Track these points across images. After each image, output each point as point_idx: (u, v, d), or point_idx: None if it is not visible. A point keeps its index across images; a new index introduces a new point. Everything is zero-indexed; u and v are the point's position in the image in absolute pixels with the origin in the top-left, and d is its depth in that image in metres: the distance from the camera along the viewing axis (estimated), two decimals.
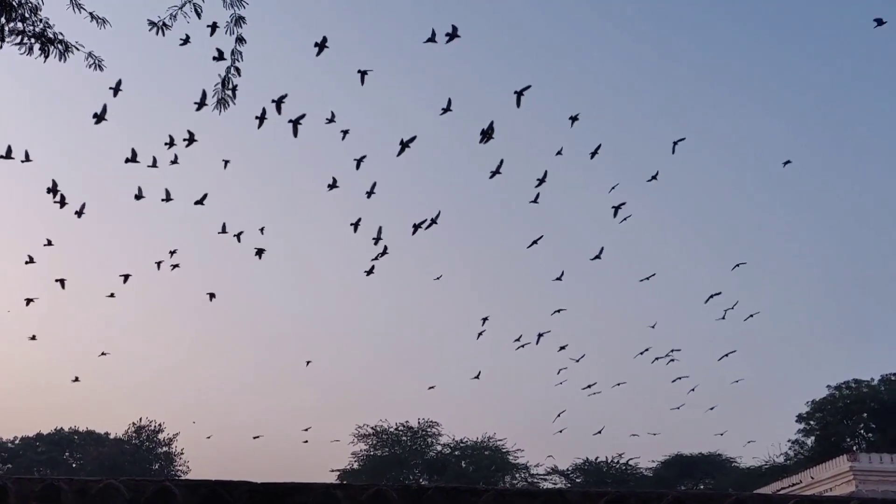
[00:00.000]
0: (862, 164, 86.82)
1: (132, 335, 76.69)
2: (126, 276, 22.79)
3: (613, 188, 24.05)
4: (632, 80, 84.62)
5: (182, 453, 60.63)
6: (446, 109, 19.35)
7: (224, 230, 22.17)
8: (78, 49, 7.73)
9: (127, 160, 18.98)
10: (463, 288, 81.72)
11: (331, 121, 19.69)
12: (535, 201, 22.71)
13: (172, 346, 79.33)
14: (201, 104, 16.76)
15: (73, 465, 58.69)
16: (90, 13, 7.65)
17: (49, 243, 21.85)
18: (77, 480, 3.87)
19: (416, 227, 22.37)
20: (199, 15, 7.69)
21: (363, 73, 18.30)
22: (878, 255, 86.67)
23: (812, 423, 51.59)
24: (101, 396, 73.00)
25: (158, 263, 23.25)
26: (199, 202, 21.52)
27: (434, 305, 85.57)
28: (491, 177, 20.79)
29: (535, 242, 26.19)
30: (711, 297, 29.16)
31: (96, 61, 7.91)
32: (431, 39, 18.06)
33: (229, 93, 8.40)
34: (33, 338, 28.65)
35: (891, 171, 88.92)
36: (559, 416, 43.64)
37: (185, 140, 18.99)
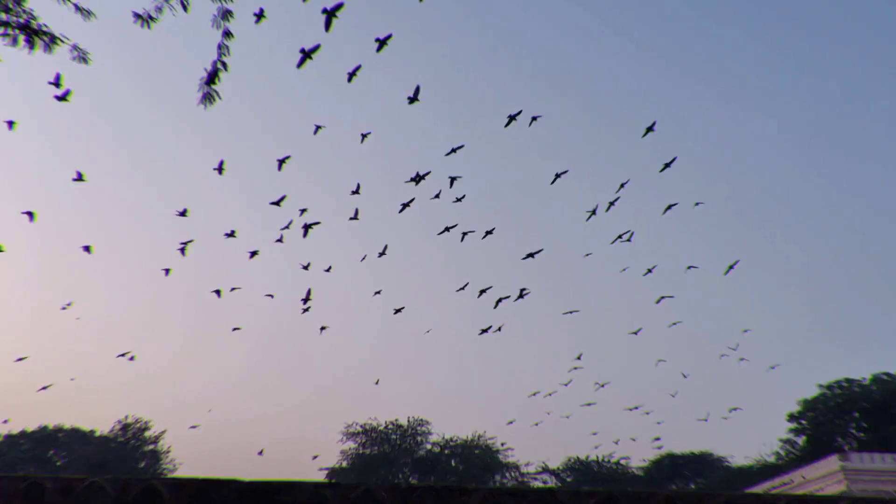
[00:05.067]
0: (854, 165, 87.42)
1: (124, 333, 76.46)
2: (28, 213, 18.47)
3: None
4: (622, 81, 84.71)
5: (169, 451, 60.49)
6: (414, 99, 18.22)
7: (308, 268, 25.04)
8: (63, 42, 7.60)
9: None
10: (460, 287, 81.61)
11: (421, 178, 20.56)
12: (563, 174, 23.17)
13: (164, 345, 79.05)
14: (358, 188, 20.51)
15: (59, 463, 58.36)
16: (75, 4, 7.52)
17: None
18: (62, 478, 3.81)
19: (483, 291, 25.65)
20: (185, 8, 7.58)
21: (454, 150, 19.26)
22: (869, 256, 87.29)
23: (803, 422, 51.79)
24: (87, 394, 72.74)
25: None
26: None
27: (429, 306, 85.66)
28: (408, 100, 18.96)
29: (531, 255, 27.57)
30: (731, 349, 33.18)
31: (81, 54, 7.78)
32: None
33: (216, 89, 8.28)
34: (22, 359, 28.39)
35: (882, 172, 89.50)
36: (568, 459, 46.15)
37: (404, 206, 21.74)
